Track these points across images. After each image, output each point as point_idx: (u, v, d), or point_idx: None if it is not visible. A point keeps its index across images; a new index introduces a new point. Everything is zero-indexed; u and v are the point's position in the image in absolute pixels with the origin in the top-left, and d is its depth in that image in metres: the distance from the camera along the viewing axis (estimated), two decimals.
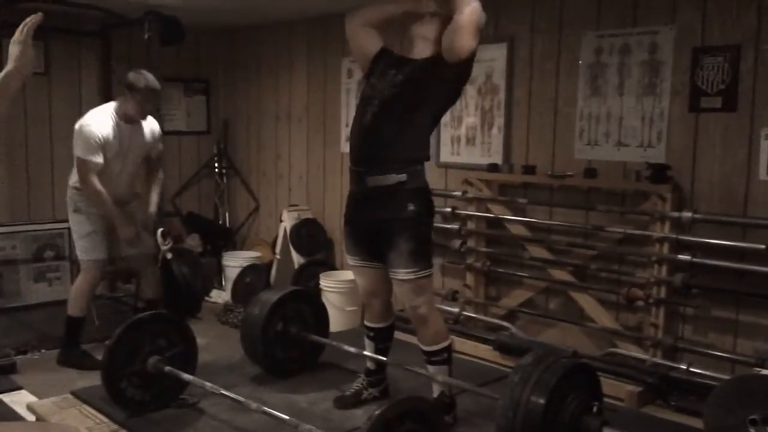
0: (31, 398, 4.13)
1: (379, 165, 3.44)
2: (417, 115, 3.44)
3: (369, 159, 3.48)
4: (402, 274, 3.46)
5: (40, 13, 2.30)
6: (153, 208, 5.07)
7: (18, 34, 2.18)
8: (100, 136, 4.61)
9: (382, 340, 3.90)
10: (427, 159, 3.54)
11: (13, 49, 2.13)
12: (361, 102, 3.61)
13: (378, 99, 3.47)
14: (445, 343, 3.63)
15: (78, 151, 4.66)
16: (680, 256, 4.23)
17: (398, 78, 3.43)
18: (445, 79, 3.40)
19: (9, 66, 2.10)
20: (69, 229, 5.10)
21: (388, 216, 3.44)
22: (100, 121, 4.66)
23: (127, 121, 4.75)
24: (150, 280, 5.15)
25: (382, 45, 3.62)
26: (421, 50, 3.47)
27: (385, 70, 3.51)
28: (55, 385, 4.31)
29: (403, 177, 3.41)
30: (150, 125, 4.96)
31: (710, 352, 4.19)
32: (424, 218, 3.51)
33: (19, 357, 4.77)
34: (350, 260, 3.77)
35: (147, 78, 4.68)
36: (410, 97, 3.41)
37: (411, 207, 3.42)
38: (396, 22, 3.62)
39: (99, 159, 4.63)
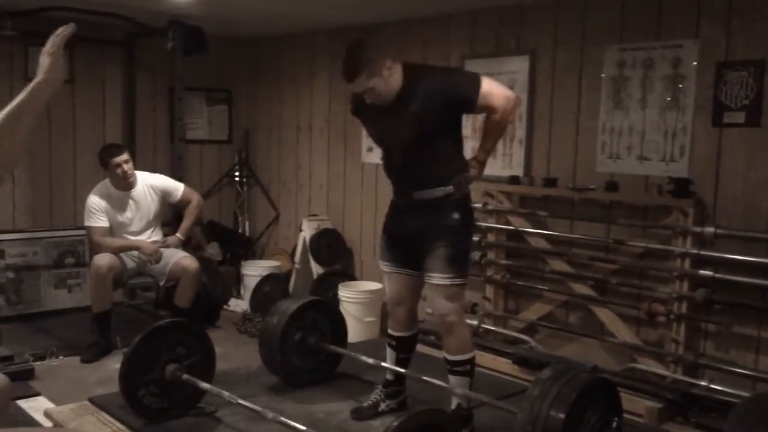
0: (49, 404, 4.14)
1: (424, 185, 3.53)
2: (440, 140, 3.50)
3: (412, 185, 3.57)
4: (437, 278, 3.50)
5: (72, 24, 2.31)
6: (180, 232, 5.46)
7: (49, 46, 2.19)
8: (96, 203, 5.15)
9: (405, 349, 3.90)
10: (467, 165, 3.59)
11: (44, 60, 2.14)
12: (377, 144, 3.79)
13: (396, 149, 3.58)
14: (469, 355, 3.63)
15: (84, 222, 5.24)
16: (702, 272, 4.19)
17: (407, 131, 3.45)
18: (444, 102, 3.43)
19: (39, 77, 2.11)
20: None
21: (432, 223, 3.51)
22: (97, 190, 5.21)
23: (120, 189, 5.21)
24: (185, 289, 5.25)
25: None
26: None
27: (381, 119, 3.58)
28: (73, 392, 4.33)
29: (449, 189, 3.49)
30: (147, 183, 5.35)
31: (731, 368, 4.14)
32: (467, 228, 3.60)
33: (37, 363, 4.79)
34: (383, 266, 3.82)
35: (110, 152, 5.17)
36: (424, 137, 3.45)
37: (455, 215, 3.51)
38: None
39: (101, 223, 5.15)
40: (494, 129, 3.51)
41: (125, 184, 5.18)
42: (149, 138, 6.89)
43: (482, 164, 3.58)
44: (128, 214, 5.24)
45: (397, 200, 3.72)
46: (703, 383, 4.11)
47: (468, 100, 3.40)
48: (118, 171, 5.11)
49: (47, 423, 3.88)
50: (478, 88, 3.37)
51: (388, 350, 3.92)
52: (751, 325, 4.16)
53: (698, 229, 4.19)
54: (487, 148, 3.58)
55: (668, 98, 4.45)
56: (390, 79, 3.39)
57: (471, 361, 3.64)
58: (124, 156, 5.14)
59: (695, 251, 4.21)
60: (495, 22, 5.31)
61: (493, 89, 3.39)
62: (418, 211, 3.55)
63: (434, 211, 3.50)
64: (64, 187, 6.44)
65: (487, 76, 3.49)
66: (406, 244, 3.65)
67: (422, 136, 3.43)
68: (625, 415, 3.26)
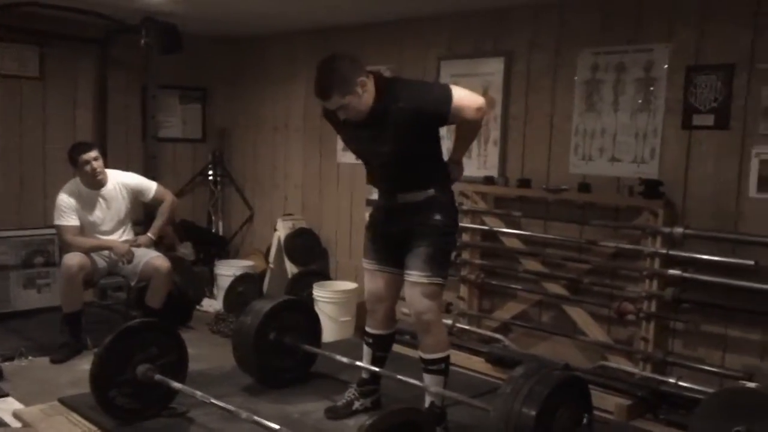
0: (18, 405, 4.09)
1: (407, 190, 3.58)
2: (418, 151, 3.52)
3: (395, 190, 3.62)
4: (416, 276, 3.53)
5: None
6: (151, 231, 5.42)
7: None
8: (66, 202, 5.08)
9: (381, 348, 3.92)
10: (447, 167, 3.68)
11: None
12: (356, 155, 3.84)
13: (375, 164, 3.64)
14: (444, 354, 3.66)
15: (54, 221, 5.16)
16: (671, 271, 4.25)
17: (384, 149, 3.47)
18: (418, 120, 3.42)
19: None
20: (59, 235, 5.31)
21: (416, 223, 3.54)
22: (67, 189, 5.14)
23: (90, 187, 5.14)
24: (157, 289, 5.22)
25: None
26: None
27: (357, 133, 3.58)
28: (43, 393, 4.27)
29: (432, 192, 3.54)
30: (118, 181, 5.29)
31: (699, 366, 4.20)
32: (449, 229, 3.62)
33: (6, 363, 4.73)
34: (366, 264, 3.84)
35: (79, 150, 5.09)
36: (402, 152, 3.47)
37: (438, 217, 3.54)
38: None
39: (72, 222, 5.08)
40: (466, 135, 3.61)
41: (95, 182, 5.13)
42: (121, 136, 6.83)
43: (458, 164, 3.70)
44: (99, 213, 5.19)
45: (382, 202, 3.75)
46: (671, 380, 4.18)
47: (440, 115, 3.41)
48: (87, 168, 5.04)
49: (16, 424, 3.84)
50: (449, 102, 3.36)
51: (365, 348, 3.93)
52: (719, 324, 4.23)
53: (668, 230, 4.25)
54: (461, 149, 3.67)
55: (640, 101, 4.51)
56: (364, 96, 3.39)
57: (446, 360, 3.67)
58: (93, 153, 5.07)
59: (665, 251, 4.27)
60: (472, 24, 5.34)
61: (464, 102, 3.37)
62: (402, 212, 3.59)
63: (418, 212, 3.54)
64: (34, 186, 6.37)
65: (457, 86, 3.47)
66: (390, 243, 3.69)
67: (400, 151, 3.46)
68: (596, 412, 3.31)
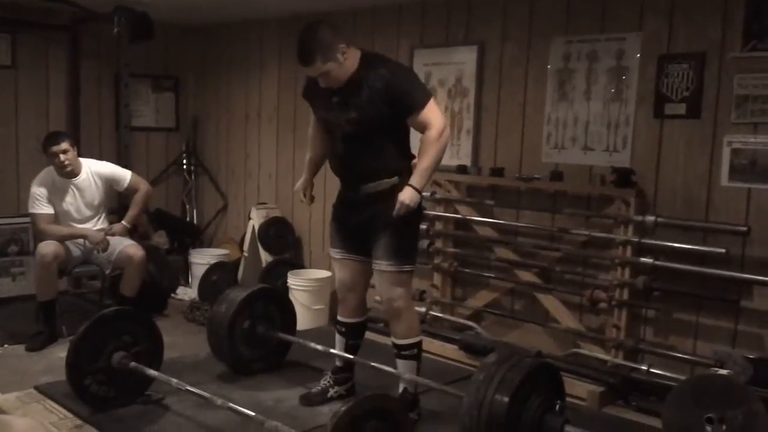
0: None
1: (369, 178, 3.55)
2: (384, 134, 3.51)
3: (357, 178, 3.59)
4: (384, 264, 3.54)
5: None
6: (125, 220, 5.38)
7: None
8: (40, 190, 5.09)
9: (354, 336, 3.93)
10: (414, 158, 3.58)
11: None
12: (323, 129, 3.75)
13: (338, 134, 3.58)
14: (416, 339, 3.69)
15: (28, 209, 5.17)
16: (642, 259, 4.30)
17: (351, 115, 3.46)
18: (392, 98, 3.43)
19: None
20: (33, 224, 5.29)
21: (379, 212, 3.52)
22: (40, 178, 5.15)
23: (63, 176, 5.12)
24: (131, 278, 5.22)
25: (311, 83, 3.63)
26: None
27: (328, 100, 3.55)
28: (18, 381, 4.27)
29: (395, 180, 3.51)
30: (92, 170, 5.28)
31: (671, 353, 4.26)
32: (414, 217, 3.57)
33: None
34: (334, 253, 3.84)
35: (48, 141, 5.10)
36: (367, 126, 3.47)
37: None
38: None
39: (46, 210, 5.09)
40: (426, 150, 3.43)
41: (65, 173, 5.11)
42: (94, 125, 6.79)
43: (415, 190, 3.39)
44: (72, 201, 5.16)
45: (345, 192, 3.74)
46: (643, 368, 4.23)
47: (410, 106, 3.40)
48: (56, 161, 5.04)
49: None
50: (423, 103, 3.39)
51: (338, 337, 3.95)
52: (690, 312, 4.29)
53: (639, 218, 4.29)
54: (421, 170, 3.43)
55: (612, 90, 4.55)
56: (345, 63, 3.41)
57: (418, 345, 3.70)
58: (62, 146, 5.04)
59: (636, 239, 4.31)
60: (444, 13, 5.35)
61: (433, 118, 3.38)
62: (365, 202, 3.58)
63: (381, 201, 3.52)
64: (7, 175, 6.31)
65: (434, 103, 3.47)
66: (355, 232, 3.69)
67: (366, 120, 3.44)
68: (568, 399, 3.34)
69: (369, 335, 4.20)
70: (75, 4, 5.93)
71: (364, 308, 3.94)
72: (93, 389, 3.67)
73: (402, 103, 3.42)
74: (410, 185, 3.40)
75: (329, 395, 3.92)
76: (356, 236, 3.69)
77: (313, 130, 3.87)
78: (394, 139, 3.56)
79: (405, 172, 3.52)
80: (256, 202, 6.79)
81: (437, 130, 3.39)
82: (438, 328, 5.13)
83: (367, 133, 3.49)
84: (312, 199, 3.94)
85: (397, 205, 3.37)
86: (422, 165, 3.43)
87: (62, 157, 5.03)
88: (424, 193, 3.51)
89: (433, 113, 3.41)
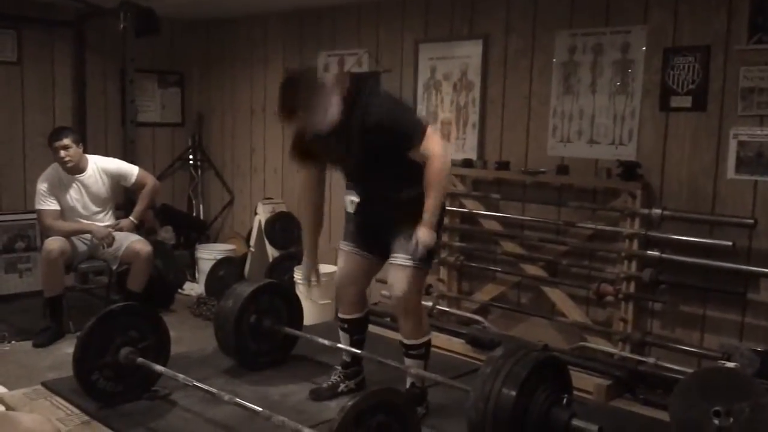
0: (1, 389, 4.09)
1: (400, 189, 3.50)
2: (392, 153, 3.42)
3: (384, 196, 3.58)
4: (402, 259, 3.52)
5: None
6: (133, 215, 5.42)
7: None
8: (46, 186, 5.12)
9: (357, 331, 3.93)
10: None
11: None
12: (336, 167, 3.77)
13: (352, 166, 3.58)
14: (425, 339, 3.69)
15: (34, 206, 5.20)
16: (649, 252, 4.29)
17: (355, 144, 3.40)
18: (387, 139, 3.37)
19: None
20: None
21: (404, 213, 3.46)
22: (46, 174, 5.18)
23: (67, 172, 5.15)
24: (138, 273, 5.24)
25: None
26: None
27: (324, 143, 3.49)
28: (26, 377, 4.29)
29: (420, 189, 3.40)
30: (98, 166, 5.29)
31: (677, 346, 4.26)
32: (437, 226, 3.51)
33: None
34: (344, 245, 3.82)
35: (51, 137, 5.14)
36: (377, 153, 3.41)
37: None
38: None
39: (52, 206, 5.12)
40: (432, 185, 3.38)
41: (67, 168, 5.13)
42: (100, 121, 6.80)
43: (428, 228, 3.36)
44: (77, 197, 5.18)
45: (370, 203, 3.69)
46: (649, 361, 4.23)
47: (408, 145, 3.36)
48: (57, 156, 5.07)
49: None
50: (420, 138, 3.33)
51: (342, 334, 3.94)
52: (696, 304, 4.29)
53: (646, 211, 4.29)
54: (431, 208, 3.38)
55: (617, 83, 4.54)
56: (329, 109, 3.31)
57: (427, 344, 3.70)
58: (64, 141, 5.06)
59: (643, 232, 4.31)
60: (449, 7, 5.34)
61: (432, 148, 3.33)
62: (390, 206, 3.55)
63: (409, 204, 3.44)
64: (14, 170, 6.33)
65: (431, 130, 3.42)
66: (374, 232, 3.67)
67: (373, 149, 3.39)
68: (575, 392, 3.33)
69: (376, 330, 4.21)
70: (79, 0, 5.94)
71: (364, 303, 3.93)
72: (100, 385, 3.67)
73: (399, 140, 3.36)
74: (424, 226, 3.36)
75: (339, 390, 3.92)
76: (374, 236, 3.67)
77: (307, 183, 3.85)
78: (405, 159, 3.44)
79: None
80: (262, 197, 6.80)
81: (439, 160, 3.34)
82: (444, 322, 5.13)
83: (379, 155, 3.43)
84: (319, 280, 4.00)
85: (415, 245, 3.36)
86: (430, 202, 3.37)
87: (63, 152, 5.04)
88: None
89: (431, 144, 3.35)
